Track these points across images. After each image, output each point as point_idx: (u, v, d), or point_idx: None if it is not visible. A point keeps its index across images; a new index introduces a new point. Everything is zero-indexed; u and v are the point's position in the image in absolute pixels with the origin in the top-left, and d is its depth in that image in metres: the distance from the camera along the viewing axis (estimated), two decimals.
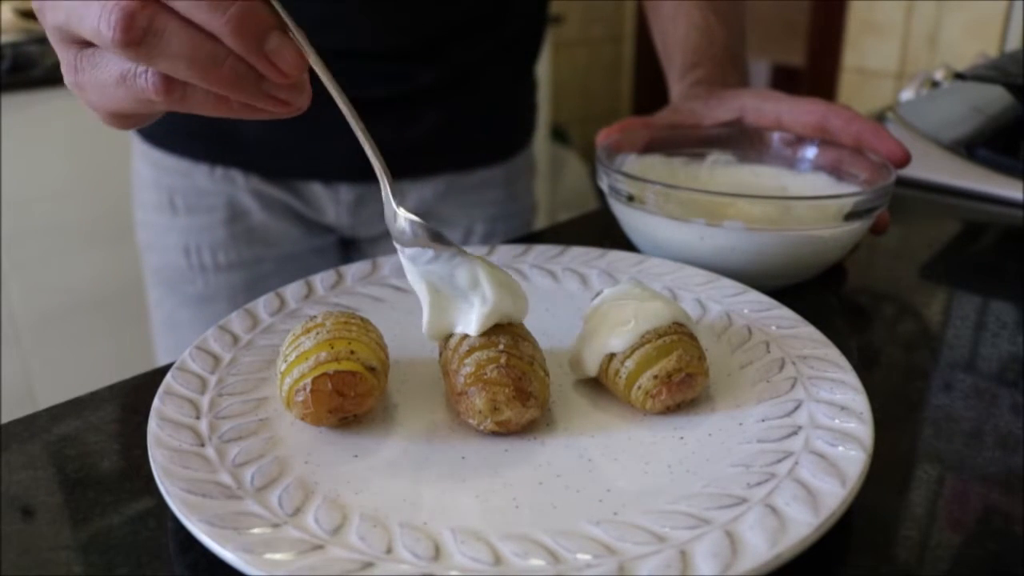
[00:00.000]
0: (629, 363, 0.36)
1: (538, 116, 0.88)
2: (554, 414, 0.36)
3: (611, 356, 0.36)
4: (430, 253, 0.36)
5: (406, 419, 0.36)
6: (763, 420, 0.35)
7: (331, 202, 0.75)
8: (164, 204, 0.75)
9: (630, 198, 0.51)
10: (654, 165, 0.59)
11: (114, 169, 1.11)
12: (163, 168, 0.74)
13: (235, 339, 0.41)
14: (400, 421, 0.36)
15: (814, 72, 2.32)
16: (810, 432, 0.33)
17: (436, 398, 0.37)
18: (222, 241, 0.74)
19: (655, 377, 0.35)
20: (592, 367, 0.37)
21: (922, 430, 0.39)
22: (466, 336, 0.35)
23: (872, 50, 2.15)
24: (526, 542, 0.28)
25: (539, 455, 0.33)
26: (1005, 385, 0.42)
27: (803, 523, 0.28)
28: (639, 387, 0.35)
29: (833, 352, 0.39)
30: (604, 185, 0.54)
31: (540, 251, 0.52)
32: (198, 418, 0.34)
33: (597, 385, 0.38)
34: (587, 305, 0.40)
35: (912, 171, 0.70)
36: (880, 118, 0.88)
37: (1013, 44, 1.87)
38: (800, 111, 0.58)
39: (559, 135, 2.50)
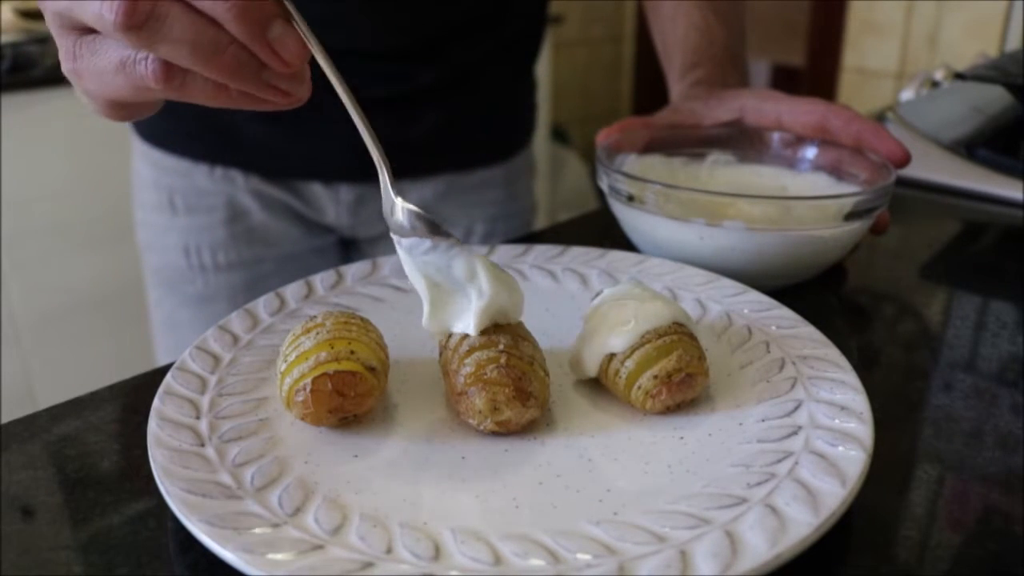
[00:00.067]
0: (629, 363, 0.36)
1: (538, 116, 0.88)
2: (554, 414, 0.36)
3: (611, 356, 0.36)
4: (427, 243, 0.36)
5: (406, 419, 0.36)
6: (763, 420, 0.35)
7: (331, 202, 0.75)
8: (164, 204, 0.75)
9: (630, 198, 0.51)
10: (654, 165, 0.59)
11: (114, 169, 1.11)
12: (163, 168, 0.74)
13: (235, 339, 0.41)
14: (400, 421, 0.36)
15: (814, 72, 2.32)
16: (810, 432, 0.33)
17: (436, 398, 0.37)
18: (222, 241, 0.74)
19: (655, 377, 0.35)
20: (592, 367, 0.37)
21: (922, 430, 0.39)
22: (466, 336, 0.35)
23: (872, 50, 2.15)
24: (526, 542, 0.28)
25: (539, 455, 0.33)
26: (1005, 385, 0.42)
27: (803, 523, 0.28)
28: (639, 387, 0.35)
29: (833, 352, 0.39)
30: (604, 185, 0.54)
31: (540, 251, 0.52)
32: (198, 418, 0.34)
33: (597, 385, 0.38)
34: (587, 305, 0.40)
35: (912, 171, 0.70)
36: (880, 118, 0.88)
37: (1013, 44, 1.87)
38: (800, 111, 0.58)
39: (559, 135, 2.50)
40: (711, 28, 0.67)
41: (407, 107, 0.71)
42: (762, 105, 0.60)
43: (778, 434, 0.33)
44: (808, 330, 0.41)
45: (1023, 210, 0.67)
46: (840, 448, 0.32)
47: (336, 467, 0.32)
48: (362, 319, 0.37)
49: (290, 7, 0.32)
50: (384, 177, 0.36)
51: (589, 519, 0.29)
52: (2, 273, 1.49)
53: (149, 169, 0.75)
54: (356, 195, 0.75)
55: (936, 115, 0.87)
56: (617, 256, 0.51)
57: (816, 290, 0.53)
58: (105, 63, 0.32)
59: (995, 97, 0.89)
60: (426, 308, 0.36)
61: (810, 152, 0.58)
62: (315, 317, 0.36)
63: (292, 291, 0.46)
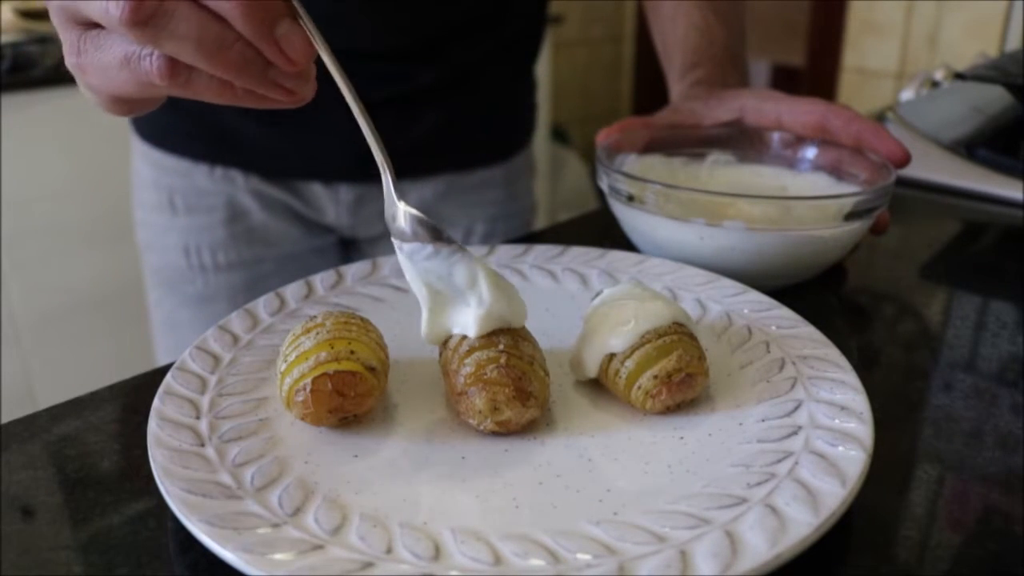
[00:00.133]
0: (629, 363, 0.36)
1: (538, 116, 0.88)
2: (554, 414, 0.36)
3: (611, 356, 0.36)
4: (429, 249, 0.35)
5: (406, 419, 0.36)
6: (763, 420, 0.35)
7: (331, 202, 0.75)
8: (164, 204, 0.75)
9: (630, 198, 0.51)
10: (654, 165, 0.59)
11: (114, 169, 1.11)
12: (163, 168, 0.74)
13: (235, 339, 0.41)
14: (400, 421, 0.36)
15: (814, 72, 2.32)
16: (810, 432, 0.33)
17: (436, 398, 0.37)
18: (222, 241, 0.74)
19: (655, 377, 0.35)
20: (592, 368, 0.37)
21: (922, 430, 0.39)
22: (466, 336, 0.35)
23: (872, 50, 2.15)
24: (526, 542, 0.28)
25: (539, 455, 0.33)
26: (1005, 385, 0.42)
27: (803, 523, 0.28)
28: (639, 387, 0.35)
29: (833, 352, 0.39)
30: (604, 185, 0.54)
31: (540, 251, 0.52)
32: (198, 418, 0.34)
33: (597, 385, 0.38)
34: (587, 305, 0.40)
35: (912, 171, 0.70)
36: (880, 118, 0.88)
37: (1013, 44, 1.87)
38: (800, 111, 0.58)
39: (559, 135, 2.50)
40: (711, 28, 0.67)
41: (407, 107, 0.71)
42: (762, 105, 0.60)
43: (778, 434, 0.33)
44: (808, 330, 0.41)
45: (1023, 210, 0.67)
46: (840, 448, 0.32)
47: (336, 467, 0.32)
48: (362, 319, 0.37)
49: (297, 5, 0.32)
50: (387, 182, 0.36)
51: (589, 519, 0.29)
52: (2, 273, 1.49)
53: (149, 169, 0.75)
54: (356, 195, 0.75)
55: (936, 115, 0.87)
56: (617, 256, 0.51)
57: (816, 290, 0.53)
58: (109, 58, 0.32)
59: (995, 97, 0.89)
60: (424, 315, 0.36)
61: (810, 152, 0.58)
62: (315, 317, 0.36)
63: (292, 291, 0.46)
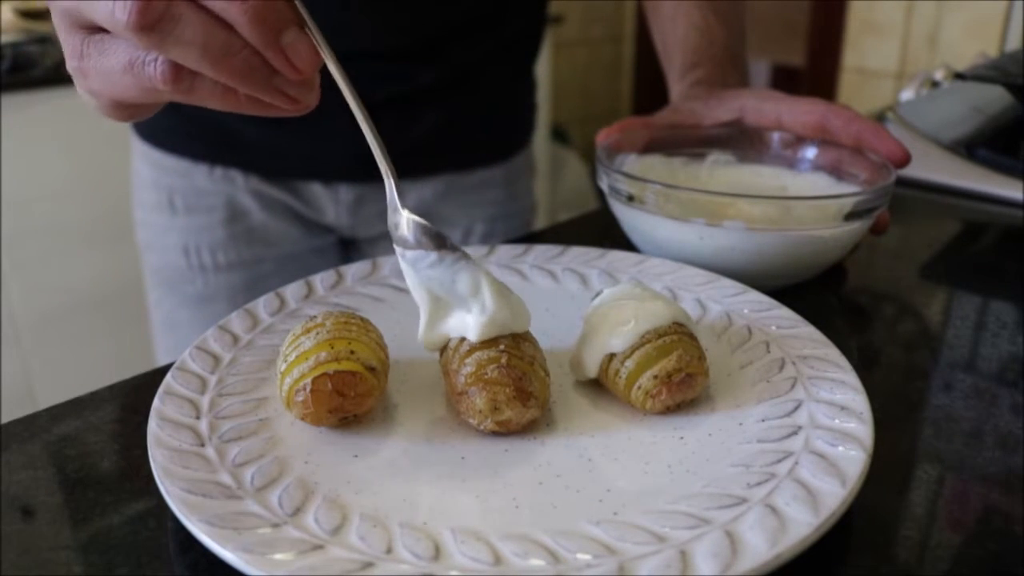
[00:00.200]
0: (629, 363, 0.36)
1: (538, 116, 0.88)
2: (554, 414, 0.36)
3: (611, 356, 0.36)
4: (432, 256, 0.35)
5: (406, 419, 0.36)
6: (763, 420, 0.35)
7: (331, 202, 0.75)
8: (164, 204, 0.75)
9: (630, 198, 0.51)
10: (654, 165, 0.59)
11: (114, 169, 1.11)
12: (163, 168, 0.74)
13: (235, 339, 0.41)
14: (400, 421, 0.36)
15: (814, 72, 2.32)
16: (810, 432, 0.33)
17: (436, 398, 0.37)
18: (222, 241, 0.74)
19: (655, 377, 0.35)
20: (592, 368, 0.37)
21: (922, 430, 0.39)
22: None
23: (872, 50, 2.15)
24: (526, 542, 0.28)
25: (539, 455, 0.33)
26: (1005, 385, 0.42)
27: (803, 523, 0.28)
28: (639, 387, 0.35)
29: (833, 352, 0.39)
30: (604, 185, 0.54)
31: (540, 251, 0.52)
32: (198, 418, 0.34)
33: (597, 385, 0.38)
34: (587, 305, 0.40)
35: (912, 171, 0.70)
36: (880, 118, 0.88)
37: (1013, 44, 1.87)
38: (800, 111, 0.58)
39: (559, 135, 2.50)
40: (711, 28, 0.67)
41: (407, 107, 0.71)
42: (762, 105, 0.60)
43: (778, 434, 0.33)
44: (808, 330, 0.41)
45: (1023, 210, 0.67)
46: (840, 448, 0.32)
47: (336, 467, 0.32)
48: (362, 319, 0.37)
49: (304, 14, 0.32)
50: (391, 188, 0.36)
51: (589, 519, 0.29)
52: (2, 273, 1.49)
53: (149, 169, 0.75)
54: (356, 195, 0.75)
55: (936, 115, 0.87)
56: (617, 256, 0.51)
57: (816, 290, 0.53)
58: (113, 63, 0.32)
59: (995, 97, 0.89)
60: (423, 322, 0.36)
61: (810, 152, 0.58)
62: (315, 317, 0.36)
63: (292, 291, 0.46)
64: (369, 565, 0.26)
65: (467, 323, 0.35)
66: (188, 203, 0.74)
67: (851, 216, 0.48)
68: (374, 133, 0.35)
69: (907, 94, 0.95)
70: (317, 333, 0.34)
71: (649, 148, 0.60)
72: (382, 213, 0.78)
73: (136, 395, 0.40)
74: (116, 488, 0.34)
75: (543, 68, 2.13)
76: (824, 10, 2.24)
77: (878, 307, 0.53)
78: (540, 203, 1.02)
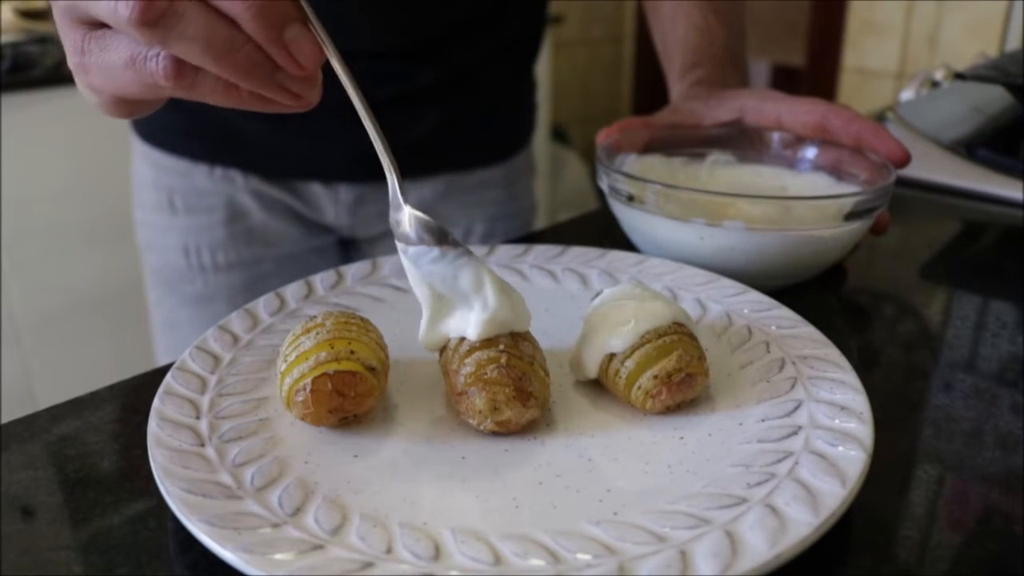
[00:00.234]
0: (629, 363, 0.36)
1: (538, 116, 0.88)
2: (554, 414, 0.36)
3: (611, 356, 0.36)
4: (435, 252, 0.35)
5: (406, 419, 0.36)
6: (763, 420, 0.35)
7: (330, 202, 0.75)
8: (164, 204, 0.75)
9: (630, 198, 0.51)
10: (654, 165, 0.59)
11: (114, 169, 1.11)
12: (163, 168, 0.74)
13: (235, 339, 0.41)
14: (400, 421, 0.36)
15: (814, 72, 2.32)
16: (810, 432, 0.33)
17: (436, 398, 0.37)
18: (221, 241, 0.74)
19: (655, 377, 0.35)
20: (592, 369, 0.37)
21: (922, 430, 0.39)
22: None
23: (872, 50, 2.15)
24: (526, 542, 0.28)
25: (539, 455, 0.33)
26: (1005, 385, 0.42)
27: (803, 523, 0.28)
28: (639, 387, 0.35)
29: (833, 352, 0.39)
30: (604, 185, 0.54)
31: (540, 251, 0.52)
32: (198, 418, 0.34)
33: (597, 385, 0.38)
34: (587, 305, 0.40)
35: (912, 171, 0.70)
36: (880, 118, 0.88)
37: (1013, 44, 1.87)
38: (800, 111, 0.58)
39: (559, 135, 2.50)
40: (711, 28, 0.67)
41: (407, 107, 0.71)
42: (762, 105, 0.60)
43: (778, 434, 0.33)
44: (808, 330, 0.41)
45: (1023, 210, 0.67)
46: (840, 448, 0.32)
47: (336, 467, 0.32)
48: (362, 319, 0.37)
49: (307, 9, 0.32)
50: (393, 183, 0.36)
51: (589, 519, 0.29)
52: (2, 273, 1.49)
53: (149, 169, 0.75)
54: (355, 195, 0.75)
55: (936, 115, 0.87)
56: (617, 256, 0.51)
57: (816, 290, 0.53)
58: (114, 58, 0.32)
59: (995, 97, 0.89)
60: (424, 320, 0.36)
61: (810, 152, 0.58)
62: (315, 317, 0.36)
63: (292, 291, 0.46)
64: (369, 565, 0.26)
65: (469, 321, 0.35)
66: (188, 203, 0.74)
67: (851, 216, 0.48)
68: (376, 129, 0.35)
69: (907, 94, 0.95)
70: (317, 333, 0.34)
71: (649, 148, 0.60)
72: (382, 213, 0.78)
73: (136, 395, 0.40)
74: (116, 488, 0.34)
75: (543, 68, 2.13)
76: (824, 10, 2.24)
77: (878, 307, 0.53)
78: (540, 203, 1.02)
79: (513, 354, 0.34)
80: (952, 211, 0.69)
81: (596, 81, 2.79)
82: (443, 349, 0.37)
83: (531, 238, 0.63)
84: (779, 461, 0.31)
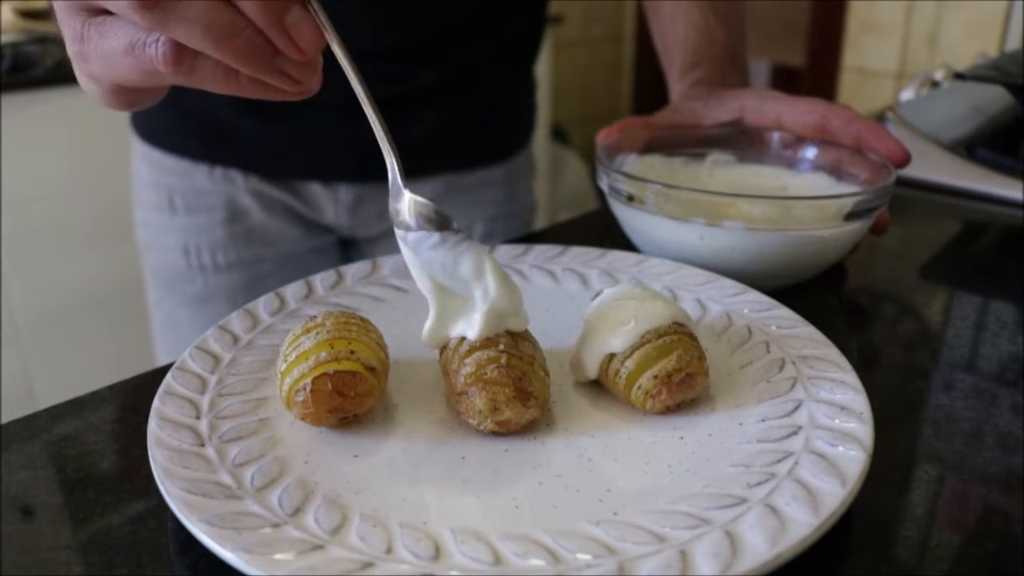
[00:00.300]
0: (629, 363, 0.36)
1: (538, 116, 0.88)
2: (554, 414, 0.36)
3: (611, 356, 0.36)
4: (435, 238, 0.35)
5: (406, 419, 0.36)
6: (763, 420, 0.35)
7: (330, 202, 0.75)
8: (163, 204, 0.75)
9: (630, 198, 0.51)
10: (654, 165, 0.59)
11: (114, 169, 1.11)
12: (162, 168, 0.74)
13: (235, 339, 0.41)
14: (400, 421, 0.36)
15: (814, 72, 2.32)
16: (810, 432, 0.33)
17: (436, 398, 0.37)
18: (221, 241, 0.74)
19: (655, 377, 0.35)
20: (592, 370, 0.37)
21: (922, 430, 0.39)
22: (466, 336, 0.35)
23: (872, 50, 2.15)
24: (526, 542, 0.28)
25: (539, 455, 0.33)
26: (1005, 385, 0.42)
27: (803, 523, 0.28)
28: (639, 387, 0.35)
29: (833, 352, 0.39)
30: (604, 185, 0.54)
31: (540, 251, 0.52)
32: (198, 418, 0.34)
33: (597, 385, 0.38)
34: (587, 305, 0.40)
35: (912, 171, 0.70)
36: (880, 118, 0.88)
37: (1013, 44, 1.87)
38: (800, 111, 0.58)
39: (559, 135, 2.50)
40: (711, 28, 0.67)
41: (407, 107, 0.71)
42: (762, 105, 0.60)
43: (778, 434, 0.33)
44: (808, 330, 0.41)
45: (1023, 210, 0.67)
46: (840, 448, 0.32)
47: (336, 467, 0.32)
48: (362, 319, 0.37)
49: None
50: (393, 167, 0.36)
51: (589, 519, 0.29)
52: (2, 273, 1.49)
53: (149, 169, 0.75)
54: (355, 195, 0.75)
55: (936, 115, 0.87)
56: (617, 256, 0.51)
57: (816, 290, 0.53)
58: (114, 44, 0.31)
59: (995, 97, 0.89)
60: (431, 317, 0.36)
61: (810, 152, 0.58)
62: (315, 317, 0.36)
63: (292, 291, 0.46)
64: (369, 565, 0.26)
65: (472, 314, 0.35)
66: (188, 203, 0.74)
67: (851, 216, 0.48)
68: (377, 113, 0.34)
69: (907, 94, 0.95)
70: (317, 333, 0.34)
71: (649, 148, 0.60)
72: (382, 213, 0.78)
73: (136, 395, 0.40)
74: (116, 488, 0.34)
75: (543, 68, 2.13)
76: (824, 10, 2.24)
77: (878, 307, 0.53)
78: (540, 203, 1.02)
79: (513, 354, 0.34)
80: (952, 211, 0.69)
81: (596, 81, 2.79)
82: (443, 349, 0.37)
83: (531, 238, 0.63)
84: (779, 461, 0.31)
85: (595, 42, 2.72)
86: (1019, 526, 0.32)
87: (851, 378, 0.36)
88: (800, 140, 0.58)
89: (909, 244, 0.62)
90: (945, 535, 0.32)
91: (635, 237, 0.55)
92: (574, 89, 2.65)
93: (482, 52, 0.73)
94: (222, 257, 0.75)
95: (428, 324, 0.36)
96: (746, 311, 0.44)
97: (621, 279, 0.48)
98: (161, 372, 0.39)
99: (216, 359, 0.39)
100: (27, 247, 1.51)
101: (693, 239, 0.49)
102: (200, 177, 0.73)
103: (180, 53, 0.31)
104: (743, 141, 0.60)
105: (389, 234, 0.78)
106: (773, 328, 0.42)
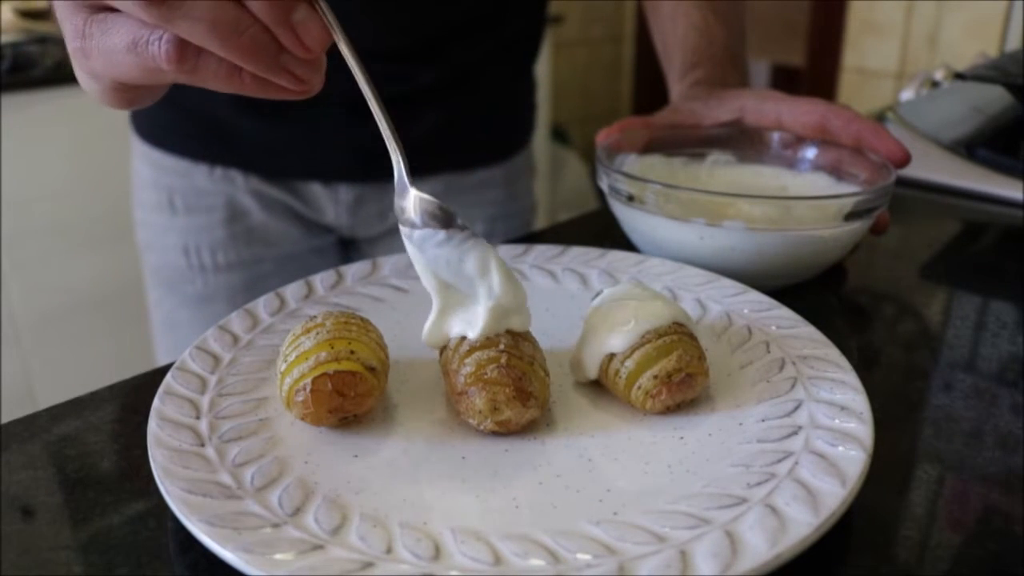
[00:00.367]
0: (629, 363, 0.36)
1: (538, 116, 0.88)
2: (554, 414, 0.36)
3: (611, 356, 0.36)
4: (441, 235, 0.34)
5: (406, 419, 0.36)
6: (763, 420, 0.35)
7: (330, 202, 0.75)
8: (163, 204, 0.75)
9: (630, 198, 0.51)
10: (654, 165, 0.59)
11: (114, 169, 1.11)
12: (162, 168, 0.74)
13: (235, 339, 0.41)
14: (400, 421, 0.36)
15: (814, 72, 2.32)
16: (810, 432, 0.33)
17: (436, 398, 0.37)
18: (221, 241, 0.74)
19: (655, 377, 0.35)
20: (592, 370, 0.37)
21: (922, 430, 0.39)
22: (466, 335, 0.35)
23: (872, 50, 2.15)
24: (526, 542, 0.28)
25: (539, 455, 0.33)
26: (1005, 385, 0.42)
27: (803, 523, 0.28)
28: (639, 387, 0.35)
29: (833, 352, 0.39)
30: (604, 185, 0.54)
31: (540, 251, 0.52)
32: (198, 418, 0.34)
33: (597, 385, 0.38)
34: (587, 305, 0.40)
35: (912, 171, 0.70)
36: (880, 118, 0.88)
37: (1013, 44, 1.87)
38: (800, 111, 0.58)
39: (559, 135, 2.50)
40: (711, 28, 0.67)
41: (407, 107, 0.71)
42: (762, 105, 0.60)
43: (778, 434, 0.33)
44: (808, 330, 0.41)
45: (1023, 210, 0.67)
46: (840, 448, 0.32)
47: (336, 467, 0.32)
48: (362, 319, 0.37)
49: None
50: (399, 163, 0.36)
51: (589, 519, 0.29)
52: (2, 273, 1.49)
53: (149, 169, 0.75)
54: (355, 195, 0.75)
55: (936, 115, 0.87)
56: (617, 256, 0.51)
57: (816, 290, 0.53)
58: (116, 41, 0.31)
59: (995, 97, 0.89)
60: (432, 315, 0.36)
61: (810, 152, 0.58)
62: (315, 317, 0.36)
63: (292, 291, 0.46)
64: (369, 565, 0.26)
65: (476, 315, 0.35)
66: (188, 203, 0.74)
67: (851, 216, 0.48)
68: (383, 110, 0.34)
69: (907, 94, 0.95)
70: (317, 333, 0.34)
71: (649, 148, 0.60)
72: (382, 213, 0.78)
73: (136, 395, 0.40)
74: (116, 488, 0.34)
75: (543, 68, 2.14)
76: (824, 10, 2.24)
77: (878, 307, 0.53)
78: (540, 203, 1.02)
79: (513, 354, 0.34)
80: (952, 211, 0.69)
81: (596, 81, 2.79)
82: (443, 349, 0.37)
83: (531, 238, 0.63)
84: (779, 461, 0.31)
85: (595, 42, 2.72)
86: (1019, 526, 0.32)
87: (851, 378, 0.36)
88: (800, 140, 0.58)
89: (909, 244, 0.62)
90: (945, 535, 0.32)
91: (635, 237, 0.55)
92: (574, 89, 2.65)
93: (482, 52, 0.73)
94: (222, 257, 0.75)
95: (429, 322, 0.36)
96: (746, 311, 0.44)
97: (621, 279, 0.48)
98: (161, 372, 0.39)
99: (216, 359, 0.39)
100: (27, 247, 1.51)
101: (693, 239, 0.49)
102: (200, 177, 0.73)
103: (183, 50, 0.30)
104: (743, 141, 0.60)
105: (389, 234, 0.78)
106: (773, 328, 0.42)
